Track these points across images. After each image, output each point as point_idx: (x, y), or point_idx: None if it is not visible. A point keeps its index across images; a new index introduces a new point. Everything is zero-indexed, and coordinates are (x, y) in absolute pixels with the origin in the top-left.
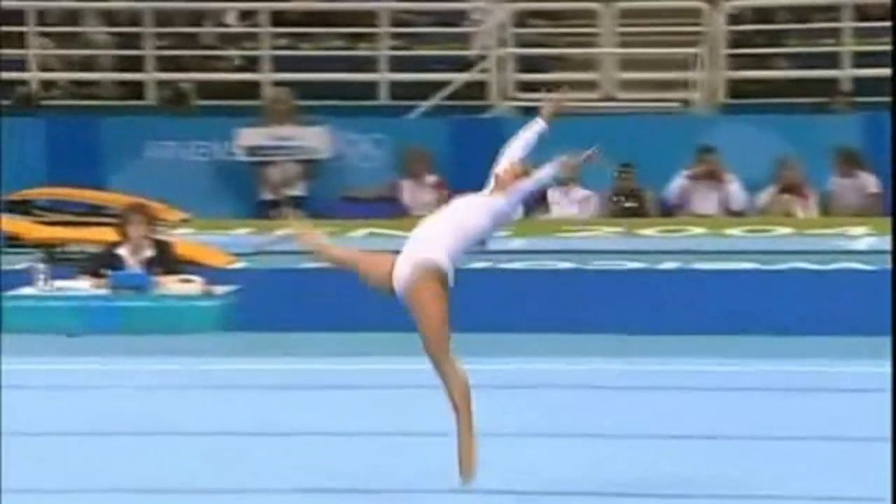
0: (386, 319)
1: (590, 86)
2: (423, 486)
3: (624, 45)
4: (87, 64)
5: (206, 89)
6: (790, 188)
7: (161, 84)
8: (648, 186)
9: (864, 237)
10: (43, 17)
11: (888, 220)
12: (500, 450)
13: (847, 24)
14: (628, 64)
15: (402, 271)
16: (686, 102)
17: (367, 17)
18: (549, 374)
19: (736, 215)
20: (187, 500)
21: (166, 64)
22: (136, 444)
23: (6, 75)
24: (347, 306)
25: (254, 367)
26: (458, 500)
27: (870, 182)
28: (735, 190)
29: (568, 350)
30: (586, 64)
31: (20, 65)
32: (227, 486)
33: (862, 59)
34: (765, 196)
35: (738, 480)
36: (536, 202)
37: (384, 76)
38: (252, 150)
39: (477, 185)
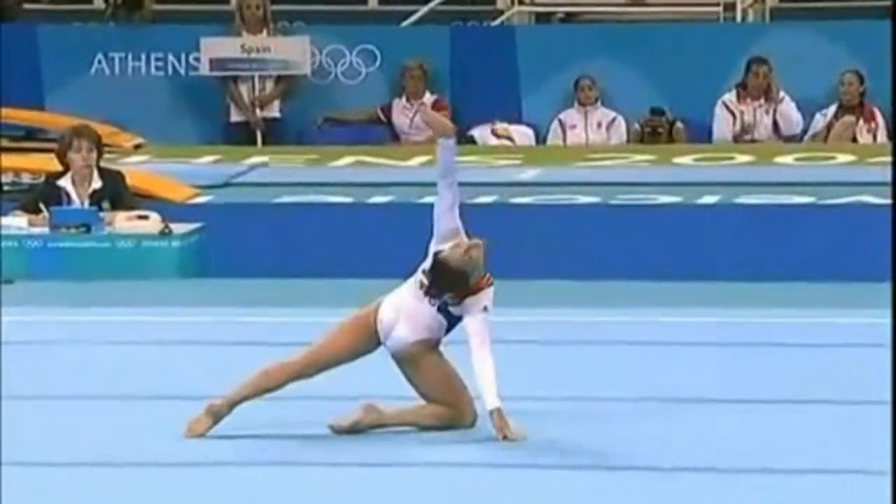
0: (370, 265)
1: None
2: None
3: None
4: None
5: None
6: (853, 108)
7: None
8: (685, 110)
9: None
10: None
11: None
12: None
13: None
14: None
15: None
16: (730, 7)
17: None
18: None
19: (789, 140)
20: (148, 472)
21: None
22: (85, 409)
23: None
24: (328, 249)
25: (217, 319)
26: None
27: None
28: (788, 110)
29: (593, 300)
30: None
31: None
32: (190, 458)
33: None
34: (822, 118)
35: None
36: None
37: None
38: (219, 64)
39: (481, 104)
